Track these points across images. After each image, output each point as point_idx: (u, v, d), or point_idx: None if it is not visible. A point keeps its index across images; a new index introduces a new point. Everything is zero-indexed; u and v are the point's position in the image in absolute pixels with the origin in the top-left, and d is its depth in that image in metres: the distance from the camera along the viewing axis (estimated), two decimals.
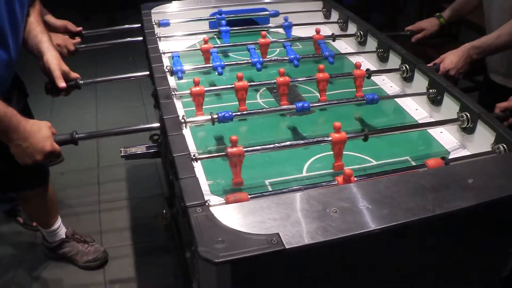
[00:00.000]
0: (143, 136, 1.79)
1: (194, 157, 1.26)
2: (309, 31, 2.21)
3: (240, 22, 2.30)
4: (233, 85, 1.59)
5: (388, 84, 1.89)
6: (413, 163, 1.41)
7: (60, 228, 2.27)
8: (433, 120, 1.63)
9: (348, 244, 1.01)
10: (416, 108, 1.71)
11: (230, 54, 2.13)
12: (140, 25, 2.24)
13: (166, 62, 1.90)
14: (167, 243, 2.38)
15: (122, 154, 1.69)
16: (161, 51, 1.93)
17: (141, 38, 2.12)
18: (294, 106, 1.52)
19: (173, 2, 2.40)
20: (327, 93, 1.68)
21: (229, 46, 2.11)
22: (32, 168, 1.51)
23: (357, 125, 1.62)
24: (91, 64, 4.04)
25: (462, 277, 1.31)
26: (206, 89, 1.57)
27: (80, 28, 2.16)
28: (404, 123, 1.63)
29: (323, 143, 1.35)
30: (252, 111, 1.54)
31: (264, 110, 1.57)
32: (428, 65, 1.76)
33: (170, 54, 1.93)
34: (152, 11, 2.31)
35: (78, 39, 2.13)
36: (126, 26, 2.32)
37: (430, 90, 1.64)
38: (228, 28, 2.13)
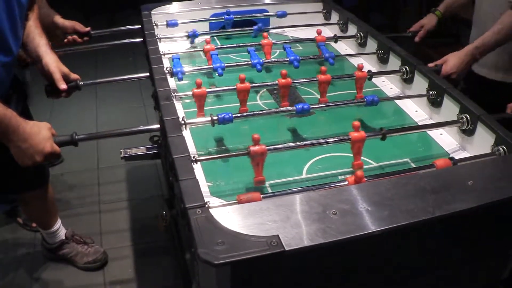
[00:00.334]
0: (143, 137, 1.80)
1: (194, 159, 1.26)
2: (309, 33, 2.21)
3: (240, 23, 2.31)
4: (235, 87, 1.59)
5: (388, 85, 1.89)
6: (413, 165, 1.41)
7: (60, 229, 2.27)
8: (433, 122, 1.63)
9: (348, 246, 1.01)
10: (416, 110, 1.71)
11: (230, 55, 2.13)
12: (140, 26, 2.24)
13: (166, 63, 1.90)
14: (167, 244, 2.38)
15: (122, 155, 1.70)
16: (161, 52, 1.93)
17: (141, 39, 2.13)
18: (294, 107, 1.52)
19: (173, 3, 2.41)
20: (327, 94, 1.68)
21: (229, 47, 2.11)
22: (32, 169, 1.51)
23: None
24: (91, 65, 4.04)
25: (462, 279, 1.31)
26: (208, 90, 1.58)
27: (88, 28, 2.18)
28: (404, 125, 1.63)
29: (343, 142, 1.35)
30: (252, 113, 1.55)
31: (264, 111, 1.57)
32: (429, 65, 1.76)
33: (170, 56, 1.93)
34: (152, 12, 2.31)
35: (86, 39, 2.16)
36: (127, 27, 2.32)
37: (430, 92, 1.64)
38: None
